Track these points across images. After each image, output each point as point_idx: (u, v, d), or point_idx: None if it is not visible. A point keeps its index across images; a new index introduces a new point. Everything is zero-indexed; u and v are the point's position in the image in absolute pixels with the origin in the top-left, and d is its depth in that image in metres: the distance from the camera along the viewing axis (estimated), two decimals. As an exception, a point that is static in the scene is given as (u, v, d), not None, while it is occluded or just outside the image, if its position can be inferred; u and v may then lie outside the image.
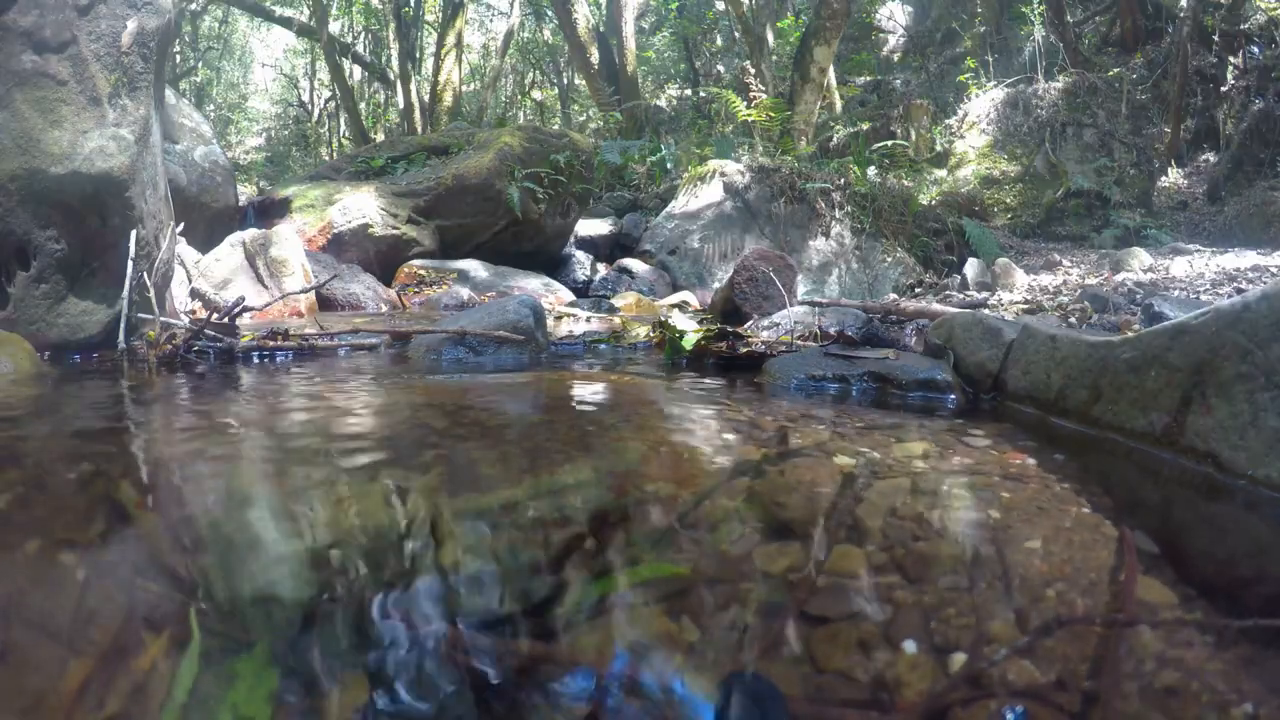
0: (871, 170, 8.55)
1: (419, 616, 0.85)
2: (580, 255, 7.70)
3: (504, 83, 20.55)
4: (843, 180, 7.74)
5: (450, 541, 1.05)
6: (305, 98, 22.23)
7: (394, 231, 6.19)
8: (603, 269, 7.53)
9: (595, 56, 13.50)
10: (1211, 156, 10.10)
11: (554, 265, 7.28)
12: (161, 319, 2.88)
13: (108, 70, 2.73)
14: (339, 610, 0.86)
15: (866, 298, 6.63)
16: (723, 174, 7.80)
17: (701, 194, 7.82)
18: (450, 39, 14.97)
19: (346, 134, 19.34)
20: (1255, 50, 10.13)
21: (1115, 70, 10.84)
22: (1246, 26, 10.21)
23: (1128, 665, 0.73)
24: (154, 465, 1.44)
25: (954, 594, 0.86)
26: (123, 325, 2.73)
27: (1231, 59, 10.26)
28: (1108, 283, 5.14)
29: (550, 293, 5.80)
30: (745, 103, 9.79)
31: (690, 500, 1.16)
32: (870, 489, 1.20)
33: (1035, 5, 10.97)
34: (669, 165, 9.88)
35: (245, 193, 8.09)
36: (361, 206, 6.13)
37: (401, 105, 16.13)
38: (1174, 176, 10.07)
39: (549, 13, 17.45)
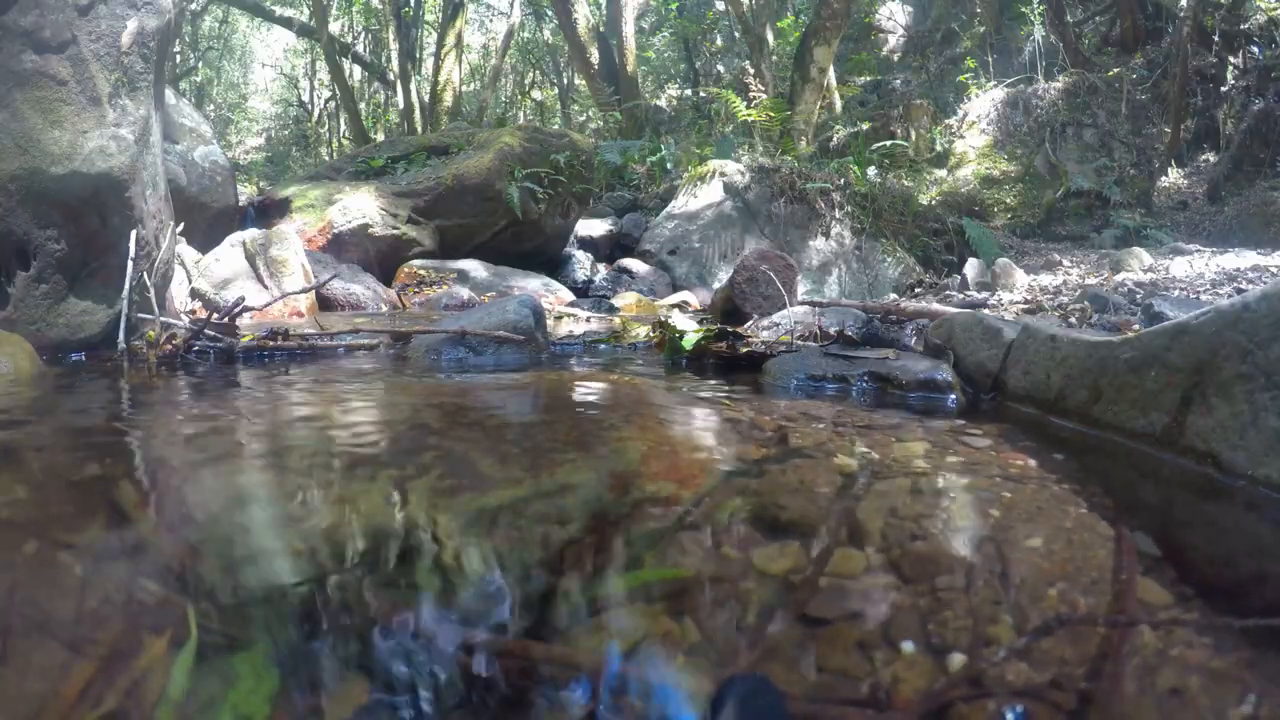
0: (871, 170, 8.55)
1: (418, 616, 0.85)
2: (580, 255, 7.69)
3: (504, 83, 20.55)
4: (843, 180, 7.74)
5: (450, 542, 1.05)
6: (305, 98, 22.23)
7: (394, 231, 6.19)
8: (603, 269, 7.53)
9: (595, 56, 13.50)
10: (1211, 156, 10.10)
11: (554, 265, 7.28)
12: (161, 319, 2.88)
13: (108, 70, 2.73)
14: (339, 610, 0.86)
15: (866, 298, 6.62)
16: (723, 174, 7.81)
17: (701, 194, 7.82)
18: (450, 39, 14.97)
19: (346, 134, 19.34)
20: (1255, 50, 10.14)
21: (1115, 70, 10.84)
22: (1246, 26, 10.21)
23: (1128, 665, 0.73)
24: (154, 465, 1.44)
25: (954, 594, 0.86)
26: (123, 325, 2.73)
27: (1231, 59, 10.26)
28: (1108, 283, 5.14)
29: (550, 293, 5.80)
30: (745, 103, 9.79)
31: (690, 500, 1.16)
32: (870, 489, 1.20)
33: (1035, 5, 10.98)
34: (669, 165, 9.88)
35: (245, 193, 8.09)
36: (361, 206, 6.13)
37: (401, 105, 16.13)
38: (1174, 176, 10.07)
39: (549, 13, 17.45)
